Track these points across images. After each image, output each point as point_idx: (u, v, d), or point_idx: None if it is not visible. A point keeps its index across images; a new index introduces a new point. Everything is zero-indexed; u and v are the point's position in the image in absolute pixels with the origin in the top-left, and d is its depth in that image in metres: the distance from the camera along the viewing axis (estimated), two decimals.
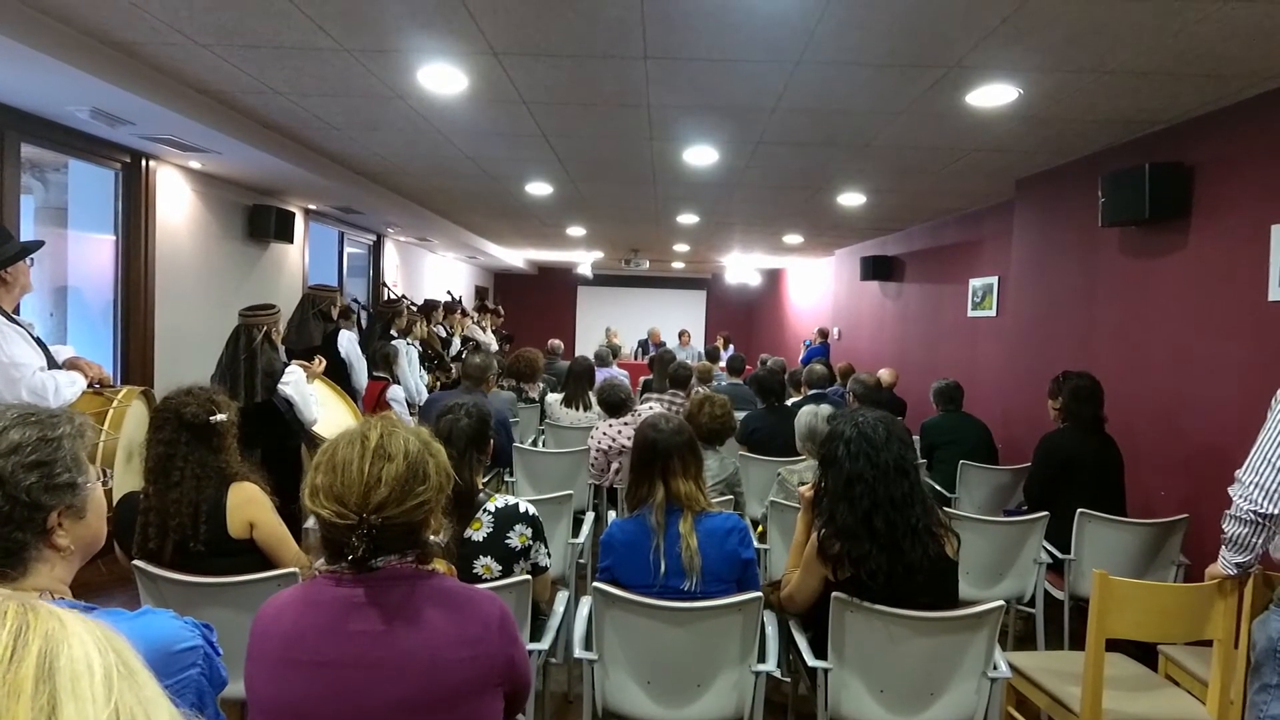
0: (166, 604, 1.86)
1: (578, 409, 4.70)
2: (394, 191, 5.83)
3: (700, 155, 4.27)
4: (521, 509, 1.94)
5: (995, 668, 1.85)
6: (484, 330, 7.92)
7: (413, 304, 6.22)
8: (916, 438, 4.04)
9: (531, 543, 1.94)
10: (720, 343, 9.94)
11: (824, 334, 9.03)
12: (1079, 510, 2.84)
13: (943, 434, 4.11)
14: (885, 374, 5.70)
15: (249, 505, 1.98)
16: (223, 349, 3.33)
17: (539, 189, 5.54)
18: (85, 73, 2.70)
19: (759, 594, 1.87)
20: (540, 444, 4.66)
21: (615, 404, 4.02)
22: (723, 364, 7.06)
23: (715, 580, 1.94)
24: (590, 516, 3.43)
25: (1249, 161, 2.91)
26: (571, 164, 4.67)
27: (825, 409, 2.99)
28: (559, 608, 2.24)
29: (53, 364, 2.45)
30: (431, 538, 1.22)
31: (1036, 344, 4.36)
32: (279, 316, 3.46)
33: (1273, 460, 1.65)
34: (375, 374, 4.63)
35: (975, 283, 5.58)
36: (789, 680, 2.40)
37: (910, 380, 6.19)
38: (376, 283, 7.52)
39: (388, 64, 2.91)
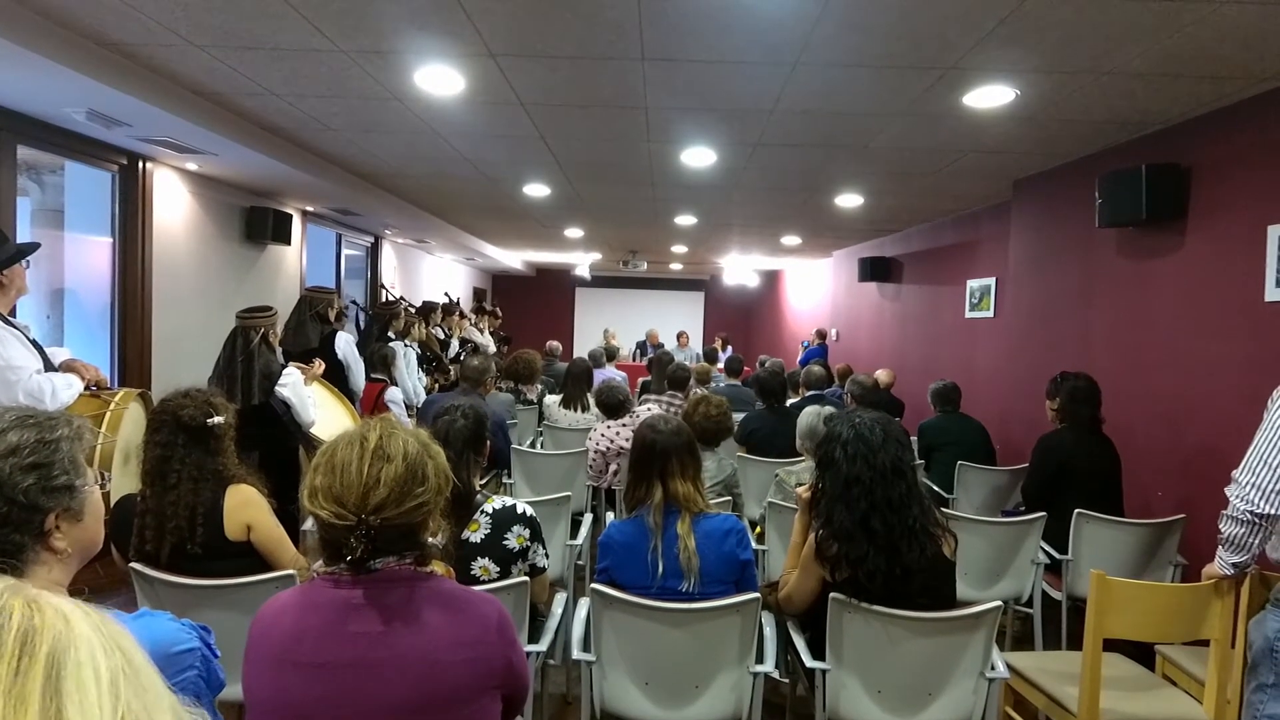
0: (164, 606, 1.85)
1: (576, 410, 4.70)
2: (391, 193, 5.83)
3: (698, 157, 4.27)
4: (519, 510, 1.94)
5: (993, 668, 1.85)
6: (481, 332, 7.92)
7: (410, 306, 6.21)
8: (914, 439, 4.04)
9: (529, 544, 1.94)
10: (718, 344, 9.94)
11: (822, 335, 9.04)
12: (1076, 511, 2.84)
13: (940, 435, 4.11)
14: (882, 374, 5.71)
15: (246, 507, 1.98)
16: (220, 351, 3.32)
17: (537, 190, 5.54)
18: (82, 74, 2.69)
19: (757, 595, 1.87)
20: (538, 445, 4.65)
21: (613, 405, 4.02)
22: (721, 365, 7.06)
23: (713, 581, 1.94)
24: (588, 518, 3.43)
25: (1245, 162, 2.92)
26: (569, 166, 4.68)
27: (828, 409, 2.99)
28: (557, 609, 2.24)
29: (49, 366, 2.44)
30: (430, 539, 1.22)
31: (1034, 345, 4.37)
32: (276, 318, 3.46)
33: (1269, 461, 1.66)
34: (373, 375, 4.63)
35: (973, 284, 5.59)
36: (787, 681, 2.40)
37: (908, 381, 6.20)
38: (374, 284, 7.51)
39: (385, 66, 2.91)
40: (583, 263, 11.00)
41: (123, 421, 2.49)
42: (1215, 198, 3.07)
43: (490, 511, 1.91)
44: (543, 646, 2.04)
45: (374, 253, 7.56)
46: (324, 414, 3.48)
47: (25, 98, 3.04)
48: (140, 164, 4.03)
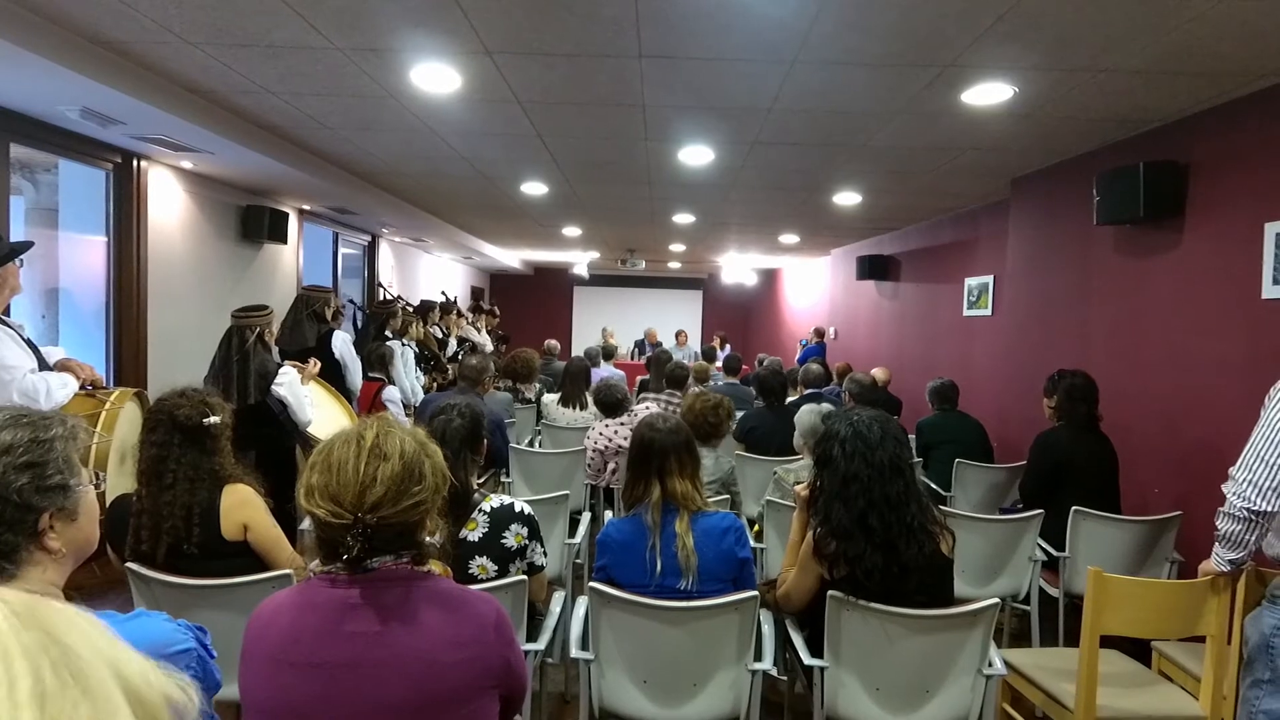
0: (160, 607, 1.84)
1: (574, 409, 4.70)
2: (388, 192, 5.82)
3: (696, 155, 4.27)
4: (517, 509, 1.93)
5: (990, 665, 1.85)
6: (479, 331, 7.91)
7: (408, 305, 6.20)
8: (912, 437, 4.05)
9: (527, 542, 1.93)
10: (717, 342, 9.95)
11: (820, 334, 9.05)
12: (1074, 508, 2.84)
13: (938, 433, 4.12)
14: (879, 372, 5.71)
15: (243, 507, 1.97)
16: (216, 350, 3.31)
17: (534, 189, 5.53)
18: (75, 72, 2.68)
19: (755, 593, 1.87)
20: (537, 444, 4.65)
21: (611, 404, 4.02)
22: (719, 364, 7.06)
23: (711, 579, 1.94)
24: (587, 516, 3.43)
25: (1242, 160, 2.93)
26: (567, 164, 4.67)
27: (826, 407, 2.99)
28: (555, 608, 2.24)
29: (44, 366, 2.43)
30: (427, 539, 1.22)
31: (1032, 343, 4.37)
32: (272, 317, 3.45)
33: (1266, 457, 1.66)
34: (371, 375, 4.62)
35: (971, 282, 5.59)
36: (785, 679, 2.40)
37: (906, 379, 6.20)
38: (371, 283, 7.50)
39: (381, 63, 2.90)
40: (581, 261, 10.99)
41: (118, 421, 2.48)
42: (1213, 195, 3.08)
43: (488, 510, 1.90)
44: (541, 645, 2.03)
45: (371, 251, 7.54)
46: (321, 413, 3.47)
47: (18, 95, 3.03)
48: (135, 162, 4.02)
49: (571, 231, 8.02)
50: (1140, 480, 3.34)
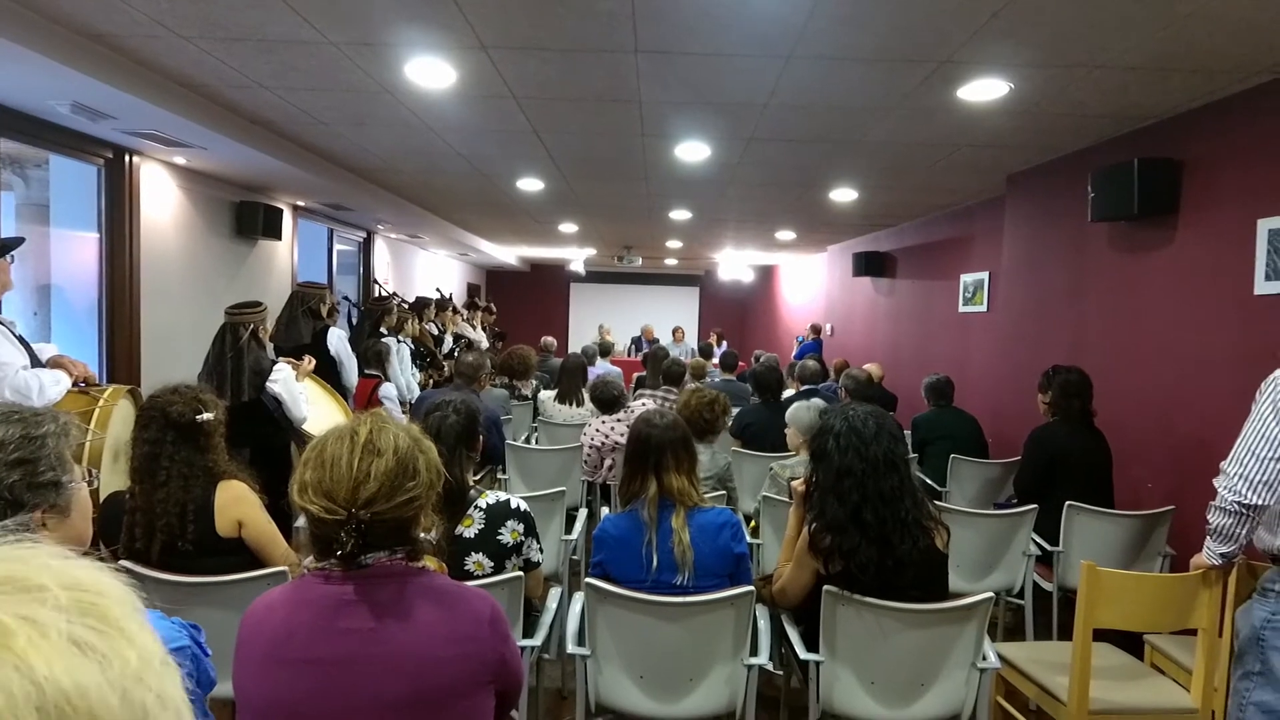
0: (154, 604, 1.84)
1: (571, 406, 4.70)
2: (383, 188, 5.79)
3: (692, 151, 4.26)
4: (513, 505, 1.93)
5: (985, 659, 1.86)
6: (474, 328, 7.90)
7: (404, 301, 6.19)
8: (908, 432, 4.06)
9: (523, 538, 1.93)
10: (713, 339, 9.95)
11: (816, 330, 9.06)
12: (1067, 503, 2.86)
13: (934, 429, 4.13)
14: (872, 368, 5.72)
15: (237, 504, 1.97)
16: (210, 347, 3.30)
17: (530, 185, 5.51)
18: (65, 66, 2.66)
19: (751, 588, 1.87)
20: (533, 441, 4.65)
21: (608, 401, 4.02)
22: (716, 360, 7.07)
23: (708, 575, 1.94)
24: (583, 513, 3.43)
25: (1236, 156, 2.94)
26: (563, 160, 4.65)
27: (818, 403, 2.99)
28: (551, 604, 2.24)
29: (36, 362, 2.42)
30: (422, 535, 1.21)
31: (1027, 339, 4.39)
32: (266, 314, 3.43)
33: (1257, 451, 1.67)
34: (367, 371, 4.61)
35: (966, 278, 5.60)
36: (781, 674, 2.41)
37: (902, 375, 6.22)
38: (367, 280, 7.47)
39: (375, 58, 2.89)
40: (577, 258, 10.97)
41: (112, 418, 2.47)
42: (1207, 192, 3.09)
43: (484, 506, 1.90)
44: (537, 641, 2.03)
45: (366, 248, 7.52)
46: (316, 410, 3.46)
47: (8, 90, 3.00)
48: (127, 158, 3.99)
49: (568, 228, 8.01)
50: (1133, 475, 3.35)
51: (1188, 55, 2.59)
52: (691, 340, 11.99)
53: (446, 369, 5.93)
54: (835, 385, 5.34)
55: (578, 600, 2.02)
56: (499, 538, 1.89)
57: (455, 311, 7.45)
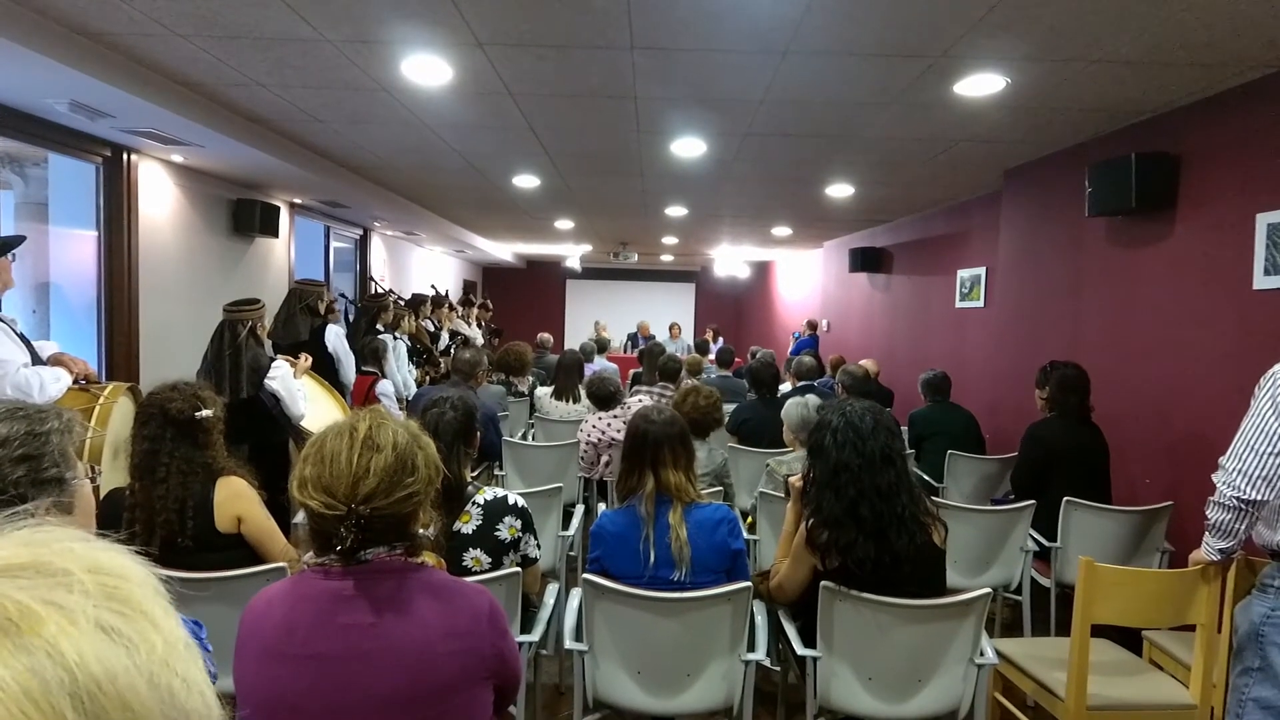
0: None
1: (567, 402, 4.70)
2: (380, 185, 5.78)
3: (688, 147, 4.26)
4: (510, 501, 1.94)
5: (982, 655, 1.87)
6: (469, 324, 7.89)
7: (400, 298, 6.18)
8: (905, 428, 4.07)
9: (521, 534, 1.94)
10: (710, 335, 9.95)
11: (813, 326, 9.06)
12: (1065, 498, 2.86)
13: (931, 425, 4.14)
14: (867, 364, 5.72)
15: (237, 500, 1.97)
16: (208, 344, 3.30)
17: (526, 182, 5.51)
18: (63, 64, 2.65)
19: (748, 584, 1.88)
20: (530, 438, 4.65)
21: (604, 397, 4.02)
22: (712, 357, 7.07)
23: (705, 571, 1.94)
24: (580, 509, 3.43)
25: (1234, 151, 2.94)
26: (559, 156, 4.65)
27: (813, 399, 3.00)
28: (549, 599, 2.24)
29: (37, 360, 2.42)
30: (421, 531, 1.22)
31: (1024, 334, 4.39)
32: (264, 311, 3.43)
33: (1256, 446, 1.67)
34: (364, 369, 4.61)
35: (963, 274, 5.61)
36: (778, 669, 2.42)
37: (898, 371, 6.22)
38: (364, 277, 7.46)
39: (371, 55, 2.88)
40: (573, 254, 10.96)
41: (112, 415, 2.47)
42: (1204, 186, 3.09)
43: (482, 503, 1.90)
44: (535, 637, 2.04)
45: (363, 245, 7.51)
46: (314, 407, 3.46)
47: (6, 89, 2.99)
48: (125, 156, 3.98)
49: (564, 224, 8.00)
50: (1131, 470, 3.36)
51: (1184, 49, 2.59)
52: (688, 336, 11.99)
53: (443, 366, 5.93)
54: (832, 381, 5.35)
55: (575, 596, 2.02)
56: (497, 533, 1.89)
57: (451, 308, 7.45)
